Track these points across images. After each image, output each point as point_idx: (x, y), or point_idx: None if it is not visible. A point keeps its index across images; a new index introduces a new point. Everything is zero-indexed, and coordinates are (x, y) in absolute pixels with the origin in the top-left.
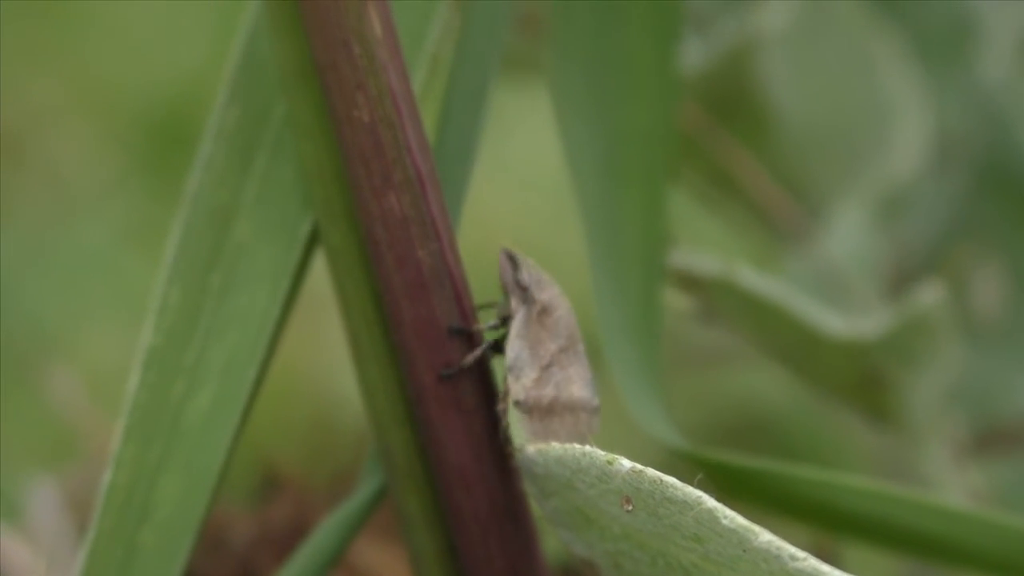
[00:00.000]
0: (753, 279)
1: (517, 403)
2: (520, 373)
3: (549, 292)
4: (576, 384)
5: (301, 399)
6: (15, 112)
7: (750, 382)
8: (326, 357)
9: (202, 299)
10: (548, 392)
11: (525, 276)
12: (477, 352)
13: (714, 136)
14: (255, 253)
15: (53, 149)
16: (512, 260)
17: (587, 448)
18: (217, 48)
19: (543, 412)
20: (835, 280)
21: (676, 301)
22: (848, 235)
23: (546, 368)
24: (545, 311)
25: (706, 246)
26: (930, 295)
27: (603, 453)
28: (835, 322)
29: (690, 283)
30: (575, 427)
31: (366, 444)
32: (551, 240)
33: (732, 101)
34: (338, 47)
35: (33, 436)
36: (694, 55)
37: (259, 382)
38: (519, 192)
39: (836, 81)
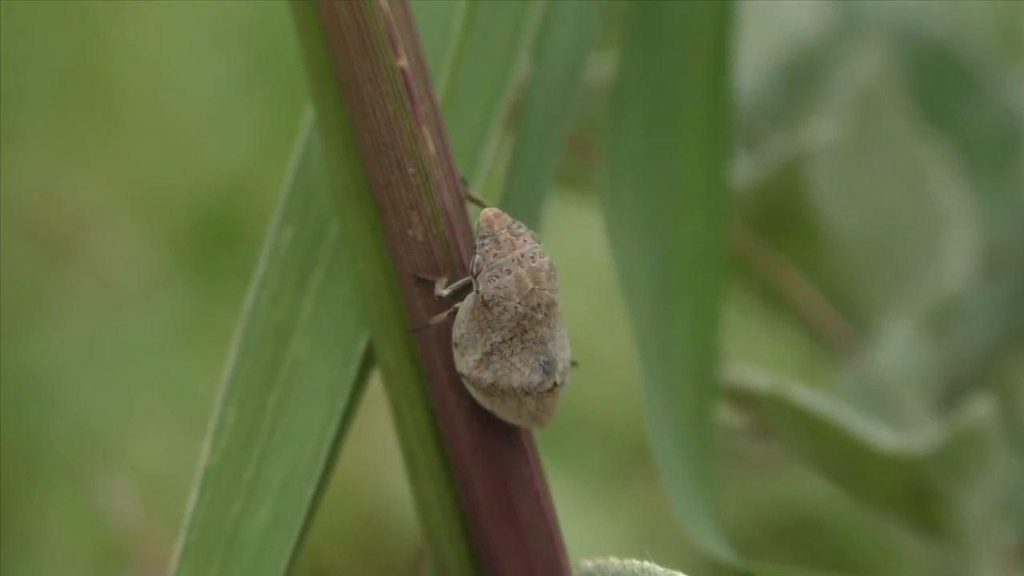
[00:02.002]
0: (804, 395)
1: (461, 375)
2: (464, 351)
3: (497, 283)
4: (519, 372)
5: (350, 497)
6: (63, 211)
7: (798, 484)
8: (374, 455)
9: (259, 417)
10: (487, 377)
11: (477, 261)
12: (442, 315)
13: (763, 251)
14: (311, 371)
15: (100, 248)
16: (482, 233)
17: (645, 564)
18: (263, 147)
19: (486, 390)
20: (885, 393)
21: (728, 415)
22: (897, 348)
23: (487, 355)
24: (486, 305)
25: (756, 360)
26: (980, 408)
27: (661, 569)
28: (886, 437)
29: (742, 399)
30: (518, 409)
31: (421, 557)
32: (595, 339)
33: (781, 215)
34: (392, 167)
35: (82, 540)
36: (743, 171)
37: (317, 500)
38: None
39: (885, 194)
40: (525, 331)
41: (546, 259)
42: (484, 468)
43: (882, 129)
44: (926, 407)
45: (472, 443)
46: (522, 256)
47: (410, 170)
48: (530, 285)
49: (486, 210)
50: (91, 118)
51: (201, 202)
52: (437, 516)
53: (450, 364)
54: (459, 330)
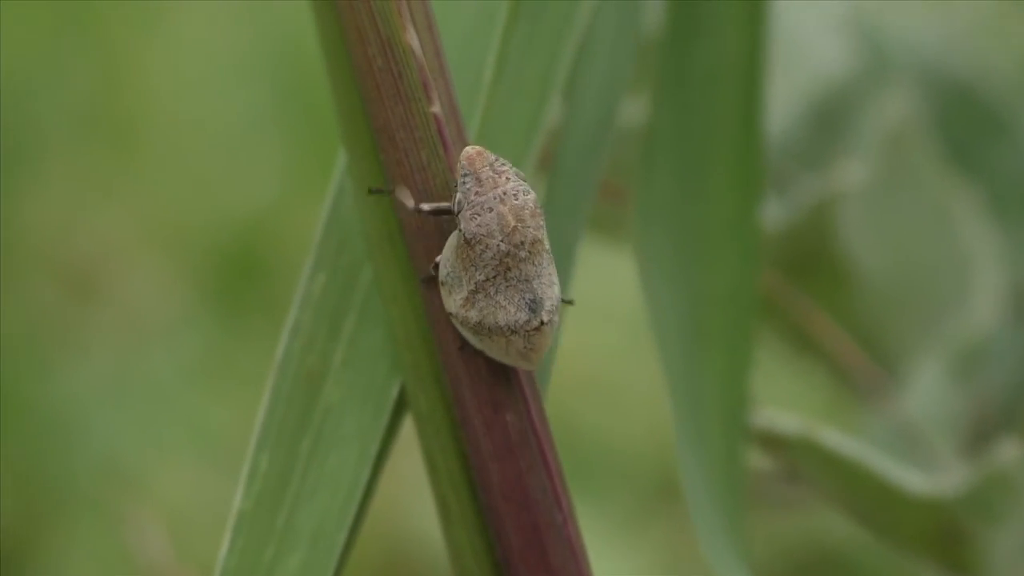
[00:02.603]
0: (833, 438)
1: (450, 314)
2: (451, 290)
3: (479, 220)
4: (504, 310)
5: (378, 534)
6: (87, 247)
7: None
8: (404, 492)
9: (292, 463)
10: (473, 316)
11: (459, 199)
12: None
13: (792, 293)
14: (343, 417)
15: (124, 284)
16: (463, 171)
17: None
18: (286, 183)
19: (473, 328)
20: (913, 436)
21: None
22: (925, 390)
23: (472, 293)
24: (468, 243)
25: (785, 402)
26: (1009, 451)
27: None
28: (914, 480)
29: (771, 442)
30: (506, 348)
31: None
32: (623, 376)
33: (810, 258)
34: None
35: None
36: (773, 213)
37: (348, 546)
38: (593, 326)
39: (913, 237)
40: (509, 269)
41: (531, 196)
42: (517, 515)
43: (910, 171)
44: (954, 449)
45: (505, 489)
46: (504, 194)
47: (443, 216)
48: (512, 223)
49: (468, 148)
50: (114, 154)
51: (224, 238)
52: (470, 562)
53: (481, 410)
54: (445, 269)
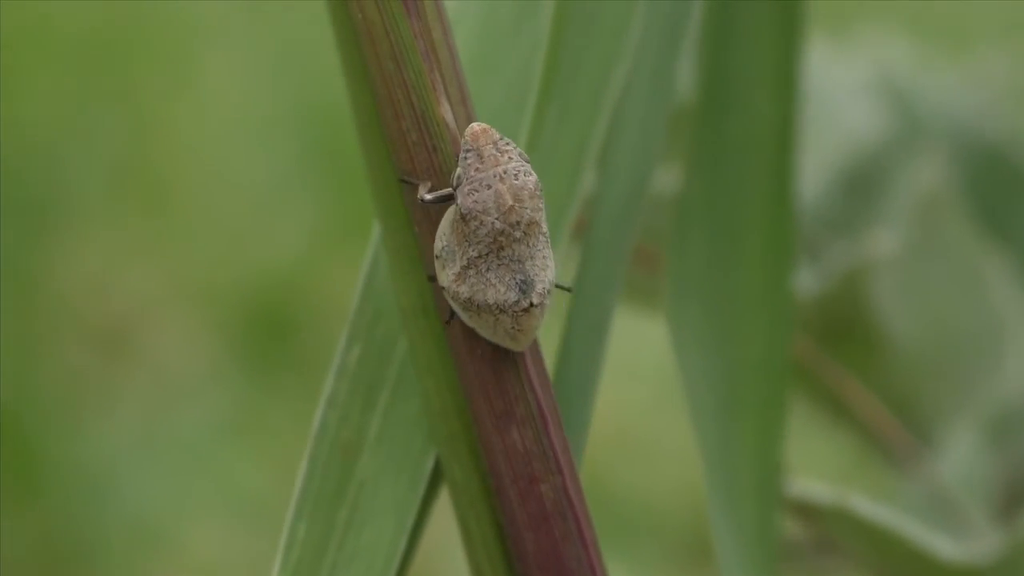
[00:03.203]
0: (867, 507)
1: (443, 288)
2: (444, 264)
3: (476, 196)
4: (494, 288)
5: None
6: (118, 303)
7: None
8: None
9: (328, 533)
10: (464, 291)
11: (458, 173)
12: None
13: (824, 360)
14: (379, 488)
15: (154, 340)
16: (466, 147)
17: None
18: (315, 240)
19: (463, 304)
20: (947, 502)
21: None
22: (959, 457)
23: (464, 269)
24: (464, 218)
25: (817, 467)
26: None
27: None
28: (948, 547)
29: (805, 510)
30: (494, 326)
31: None
32: (653, 433)
33: (843, 325)
34: None
35: None
36: (805, 280)
37: None
38: (622, 381)
39: (946, 302)
40: (502, 248)
41: (532, 178)
42: None
43: (942, 237)
44: (987, 515)
45: (540, 559)
46: (504, 172)
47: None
48: (509, 202)
49: (473, 124)
50: (145, 212)
51: (254, 294)
52: None
53: (517, 481)
54: (440, 242)
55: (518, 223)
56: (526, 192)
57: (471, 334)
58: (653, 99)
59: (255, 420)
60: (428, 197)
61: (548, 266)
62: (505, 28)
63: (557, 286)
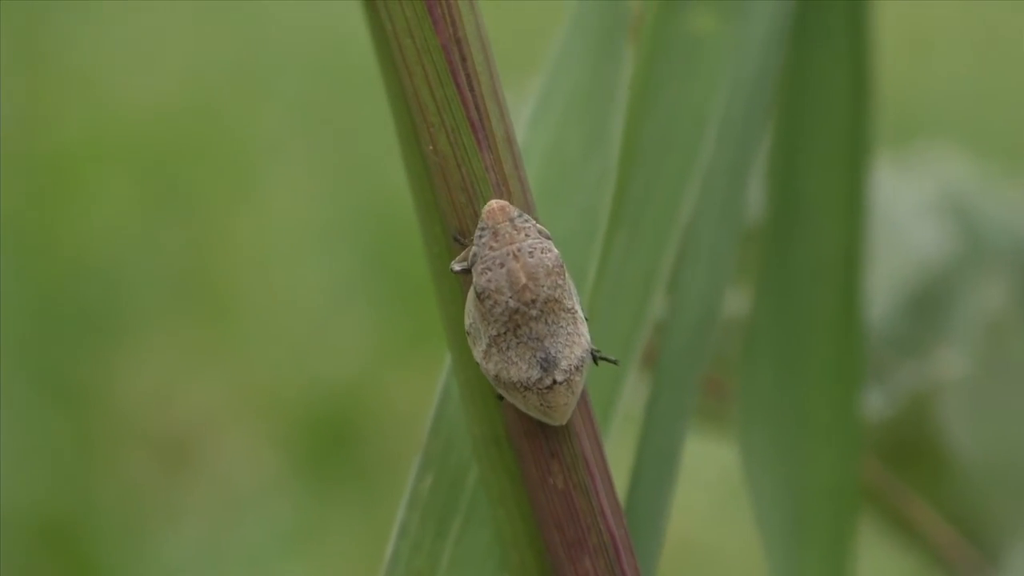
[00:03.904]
0: None
1: (478, 363)
2: (475, 340)
3: (489, 276)
4: (516, 367)
5: None
6: (180, 415)
7: None
8: None
9: None
10: (491, 368)
11: (473, 252)
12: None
13: (892, 481)
14: None
15: (217, 452)
16: (481, 224)
17: None
18: (375, 350)
19: (494, 380)
20: None
21: None
22: None
23: (488, 347)
24: (479, 297)
25: None
26: None
27: None
28: None
29: None
30: (525, 401)
31: None
32: (718, 537)
33: (910, 446)
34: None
35: None
36: (872, 403)
37: None
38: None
39: (1013, 423)
40: (518, 326)
41: (550, 255)
42: None
43: (1009, 357)
44: None
45: None
46: (519, 250)
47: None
48: (523, 280)
49: (491, 200)
50: (206, 324)
51: (315, 405)
52: None
53: None
54: (468, 319)
55: (533, 301)
56: (542, 270)
57: (542, 459)
58: (723, 224)
59: (317, 531)
60: (456, 268)
61: (576, 342)
62: (574, 157)
63: (602, 358)
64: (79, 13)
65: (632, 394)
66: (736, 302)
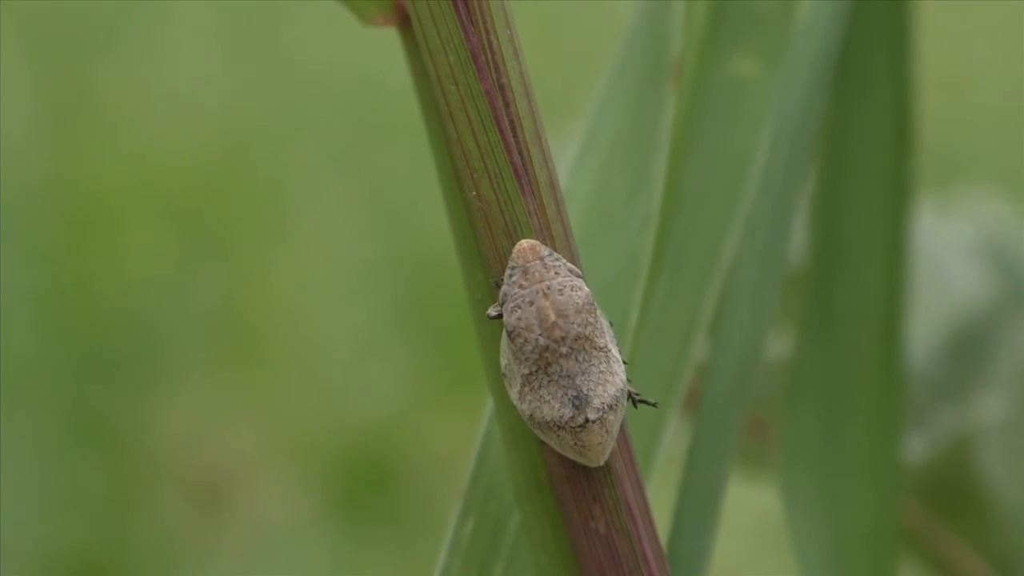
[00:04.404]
0: None
1: (515, 406)
2: (510, 382)
3: (519, 314)
4: (548, 405)
5: None
6: (215, 457)
7: None
8: None
9: None
10: (525, 409)
11: (504, 291)
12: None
13: (933, 525)
14: None
15: (252, 494)
16: (512, 263)
17: None
18: (410, 391)
19: (529, 420)
20: None
21: None
22: None
23: (522, 386)
24: (510, 336)
25: None
26: None
27: None
28: None
29: None
30: (559, 442)
31: None
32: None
33: (951, 490)
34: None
35: None
36: (913, 447)
37: None
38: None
39: None
40: (549, 364)
41: (581, 292)
42: None
43: None
44: None
45: None
46: (548, 288)
47: None
48: (552, 317)
49: (522, 240)
50: (241, 365)
51: (350, 446)
52: None
53: None
54: (503, 359)
55: (563, 338)
56: (571, 307)
57: (584, 503)
58: (766, 267)
59: (352, 574)
60: (492, 313)
61: (609, 380)
62: (617, 202)
63: (642, 401)
64: (111, 58)
65: (674, 437)
66: (778, 345)
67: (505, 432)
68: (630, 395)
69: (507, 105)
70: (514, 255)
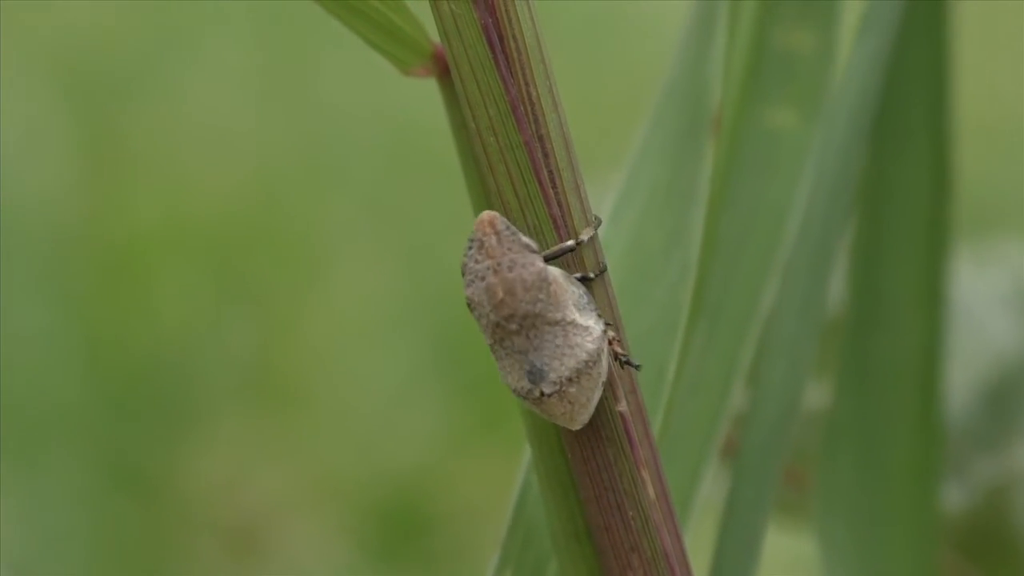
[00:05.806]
0: None
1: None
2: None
3: (472, 289)
4: (511, 375)
5: None
6: (249, 503)
7: None
8: None
9: None
10: (501, 374)
11: (463, 263)
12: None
13: (969, 574)
14: None
15: (286, 540)
16: (471, 236)
17: None
18: (445, 439)
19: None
20: None
21: None
22: None
23: (493, 354)
24: (469, 308)
25: None
26: None
27: None
28: None
29: None
30: (529, 408)
31: None
32: None
33: (988, 540)
34: (612, 510)
35: None
36: (951, 496)
37: None
38: None
39: None
40: (503, 339)
41: (532, 269)
42: None
43: None
44: None
45: None
46: (499, 265)
47: (630, 513)
48: (500, 295)
49: (484, 212)
50: (276, 411)
51: (384, 493)
52: None
53: None
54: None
55: (511, 316)
56: (520, 285)
57: (622, 553)
58: (804, 317)
59: None
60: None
61: (569, 353)
62: (655, 252)
63: (626, 362)
64: (145, 104)
65: (712, 486)
66: (816, 395)
67: (543, 481)
68: (616, 356)
69: (546, 156)
70: (474, 227)
